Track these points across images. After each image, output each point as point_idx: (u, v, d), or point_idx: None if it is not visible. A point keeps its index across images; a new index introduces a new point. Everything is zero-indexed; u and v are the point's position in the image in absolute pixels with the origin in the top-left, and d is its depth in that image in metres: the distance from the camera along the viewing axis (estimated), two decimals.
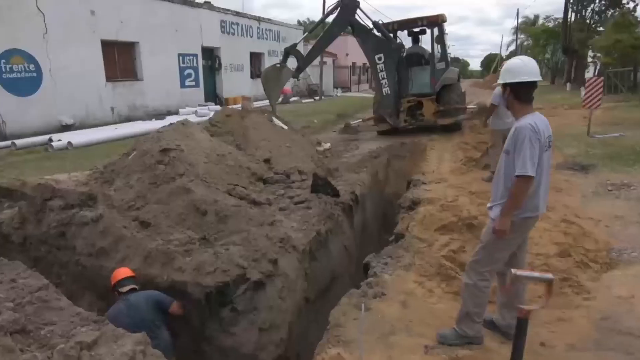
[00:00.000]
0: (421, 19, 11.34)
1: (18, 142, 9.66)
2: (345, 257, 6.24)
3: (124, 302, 4.04)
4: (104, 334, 3.15)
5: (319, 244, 5.18)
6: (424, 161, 8.35)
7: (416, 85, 11.27)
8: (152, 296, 4.10)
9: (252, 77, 22.53)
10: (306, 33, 10.55)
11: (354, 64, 36.05)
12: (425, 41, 12.48)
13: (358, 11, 10.49)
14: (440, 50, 11.44)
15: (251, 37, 22.35)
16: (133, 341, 3.06)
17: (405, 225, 5.35)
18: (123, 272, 4.27)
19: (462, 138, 10.32)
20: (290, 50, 10.33)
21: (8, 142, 9.68)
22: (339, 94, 29.01)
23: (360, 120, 12.92)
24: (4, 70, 10.57)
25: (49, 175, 6.80)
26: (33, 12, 10.94)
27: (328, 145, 9.70)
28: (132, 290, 4.15)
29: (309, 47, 11.64)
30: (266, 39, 23.92)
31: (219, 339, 4.13)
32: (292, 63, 10.55)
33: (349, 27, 10.93)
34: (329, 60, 30.57)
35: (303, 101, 23.85)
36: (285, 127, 9.26)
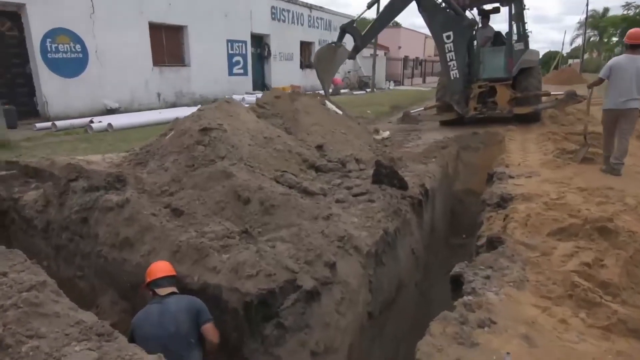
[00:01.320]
0: None
1: (59, 123, 9.34)
2: (413, 262, 5.16)
3: (158, 306, 3.19)
4: (105, 356, 2.31)
5: (386, 245, 4.14)
6: (504, 153, 7.05)
7: (489, 68, 9.86)
8: (195, 304, 3.21)
9: (301, 67, 21.75)
10: (365, 10, 9.37)
11: (406, 57, 34.48)
12: (497, 21, 10.97)
13: None
14: (517, 29, 9.96)
15: (302, 25, 21.55)
16: None
17: (498, 227, 4.19)
18: (163, 267, 3.39)
19: (545, 129, 8.86)
20: (347, 28, 9.28)
21: (49, 124, 9.38)
22: (391, 87, 27.64)
23: (422, 108, 11.64)
24: (49, 49, 10.33)
25: (82, 156, 6.20)
26: None
27: (387, 133, 8.61)
28: (172, 294, 3.30)
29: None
30: (317, 27, 23.05)
31: None
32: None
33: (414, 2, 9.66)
34: (380, 52, 29.29)
35: (354, 93, 22.74)
36: (340, 112, 8.26)
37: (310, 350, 3.14)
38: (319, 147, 6.74)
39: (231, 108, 6.12)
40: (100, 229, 4.23)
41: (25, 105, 10.14)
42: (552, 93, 10.37)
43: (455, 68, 9.22)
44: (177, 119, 6.10)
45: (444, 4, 9.07)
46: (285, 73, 20.26)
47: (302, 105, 7.68)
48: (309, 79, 20.72)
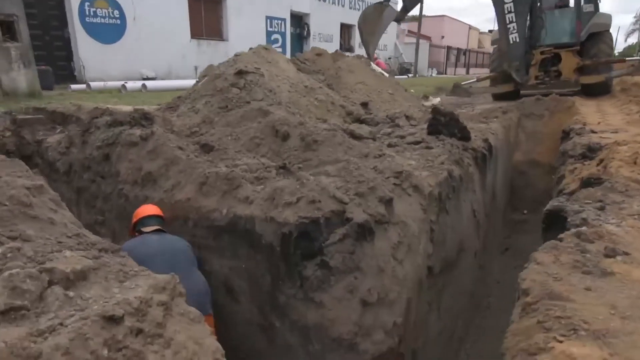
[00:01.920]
0: None
1: (93, 84, 9.16)
2: (474, 226, 4.43)
3: (152, 235, 2.84)
4: (103, 267, 1.80)
5: (450, 190, 3.45)
6: (576, 116, 6.16)
7: (553, 33, 8.84)
8: (184, 240, 2.96)
9: (341, 49, 21.05)
10: None
11: (449, 47, 33.10)
12: None
13: None
14: None
15: (343, 6, 20.88)
16: (151, 284, 1.69)
17: (591, 171, 3.41)
18: (149, 209, 3.14)
19: (616, 99, 7.81)
20: None
21: (83, 86, 9.22)
22: (433, 75, 26.48)
23: (474, 79, 10.68)
24: (87, 13, 10.21)
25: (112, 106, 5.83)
26: None
27: (437, 100, 7.85)
28: (158, 232, 2.92)
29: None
30: (358, 9, 22.24)
31: (297, 310, 2.61)
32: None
33: None
34: (423, 41, 28.15)
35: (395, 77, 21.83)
36: (387, 75, 7.57)
37: (360, 299, 2.52)
38: (364, 105, 6.10)
39: (269, 55, 5.58)
40: (122, 165, 3.78)
41: (63, 69, 10.09)
42: (627, 59, 9.21)
43: (515, 31, 8.28)
44: (211, 65, 5.62)
45: None
46: None
47: (346, 64, 7.06)
48: None
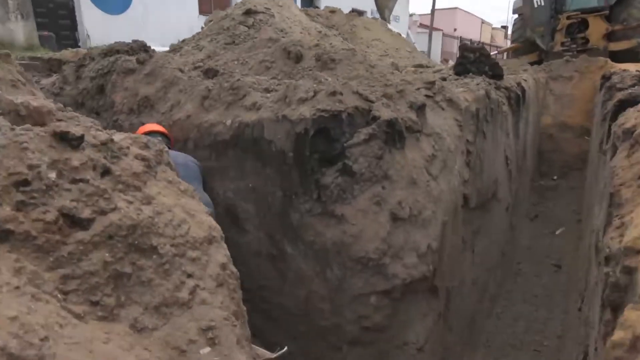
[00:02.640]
0: None
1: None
2: (506, 174, 3.98)
3: None
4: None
5: (488, 112, 3.01)
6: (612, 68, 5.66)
7: None
8: (191, 157, 2.57)
9: None
10: None
11: (462, 38, 32.41)
12: None
13: None
14: None
15: None
16: (132, 137, 1.30)
17: None
18: (151, 126, 2.76)
19: None
20: None
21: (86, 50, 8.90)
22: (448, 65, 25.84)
23: (495, 52, 10.18)
24: None
25: None
26: None
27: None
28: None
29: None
30: None
31: (313, 229, 2.20)
32: None
33: None
34: (435, 33, 27.56)
35: None
36: (403, 36, 7.13)
37: (389, 212, 2.10)
38: (382, 58, 5.65)
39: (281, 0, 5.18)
40: (117, 95, 3.40)
41: (67, 38, 9.79)
42: None
43: None
44: (217, 10, 5.23)
45: None
46: None
47: (361, 22, 6.65)
48: None
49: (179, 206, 1.29)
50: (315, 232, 2.19)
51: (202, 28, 5.01)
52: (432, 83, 2.63)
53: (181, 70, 3.20)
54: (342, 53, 3.10)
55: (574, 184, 5.87)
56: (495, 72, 4.00)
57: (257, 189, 2.41)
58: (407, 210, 2.14)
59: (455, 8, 33.06)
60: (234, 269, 1.32)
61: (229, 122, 2.48)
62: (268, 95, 2.47)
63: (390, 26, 6.97)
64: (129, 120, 3.23)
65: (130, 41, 3.83)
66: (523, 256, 5.05)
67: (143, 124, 3.13)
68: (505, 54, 10.20)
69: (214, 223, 1.38)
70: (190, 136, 2.74)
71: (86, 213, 1.01)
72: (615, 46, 8.08)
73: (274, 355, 1.46)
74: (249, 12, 4.46)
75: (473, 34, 37.03)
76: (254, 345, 1.46)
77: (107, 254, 1.01)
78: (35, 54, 5.43)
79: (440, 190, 2.35)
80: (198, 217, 1.32)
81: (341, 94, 2.10)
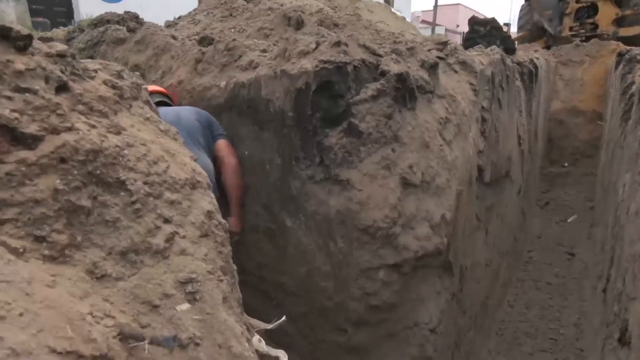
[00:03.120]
0: None
1: None
2: (518, 154, 3.76)
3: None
4: None
5: (504, 78, 2.80)
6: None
7: None
8: (204, 113, 2.27)
9: None
10: None
11: (464, 33, 32.24)
12: None
13: None
14: None
15: None
16: (104, 64, 1.04)
17: None
18: (149, 87, 2.44)
19: None
20: None
21: None
22: None
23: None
24: None
25: None
26: None
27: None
28: (163, 104, 2.31)
29: None
30: None
31: (316, 197, 1.99)
32: None
33: None
34: (438, 27, 27.31)
35: None
36: (409, 21, 6.92)
37: (400, 177, 1.89)
38: None
39: None
40: None
41: (63, 25, 9.58)
42: None
43: None
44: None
45: None
46: None
47: (364, 4, 6.43)
48: None
49: (157, 143, 1.08)
50: (318, 201, 1.98)
51: (199, 2, 4.80)
52: (444, 44, 2.43)
53: (174, 37, 3.00)
54: (345, 18, 2.90)
55: (585, 171, 5.66)
56: (507, 46, 3.79)
57: (254, 156, 2.21)
58: (419, 175, 1.93)
59: (458, 4, 32.80)
60: (222, 220, 1.11)
61: (223, 83, 2.27)
62: (266, 54, 2.27)
63: (394, 10, 6.75)
64: None
65: (124, 12, 3.63)
66: (534, 244, 4.84)
67: None
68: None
69: (199, 168, 1.17)
70: (183, 103, 2.54)
71: (32, 129, 0.80)
72: (626, 32, 7.85)
73: (270, 326, 1.25)
74: None
75: None
76: (247, 316, 1.25)
77: (58, 181, 0.81)
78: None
79: (455, 157, 2.15)
80: (180, 158, 1.12)
81: (346, 44, 1.89)
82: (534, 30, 8.44)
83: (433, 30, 23.28)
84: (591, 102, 5.90)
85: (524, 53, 4.50)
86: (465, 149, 2.27)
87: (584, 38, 8.37)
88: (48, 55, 0.92)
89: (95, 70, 1.06)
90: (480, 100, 2.46)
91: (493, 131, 2.63)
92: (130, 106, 1.12)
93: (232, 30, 3.15)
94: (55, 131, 0.84)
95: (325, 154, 1.92)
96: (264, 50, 2.45)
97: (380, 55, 1.99)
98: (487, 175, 2.64)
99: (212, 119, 2.25)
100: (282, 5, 4.11)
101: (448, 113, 2.17)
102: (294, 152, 2.02)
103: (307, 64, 1.88)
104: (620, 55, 4.47)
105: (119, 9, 10.28)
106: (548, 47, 8.58)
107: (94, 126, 0.91)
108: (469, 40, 3.93)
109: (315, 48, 1.93)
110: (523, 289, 4.07)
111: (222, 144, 2.17)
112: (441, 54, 2.42)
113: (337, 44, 1.88)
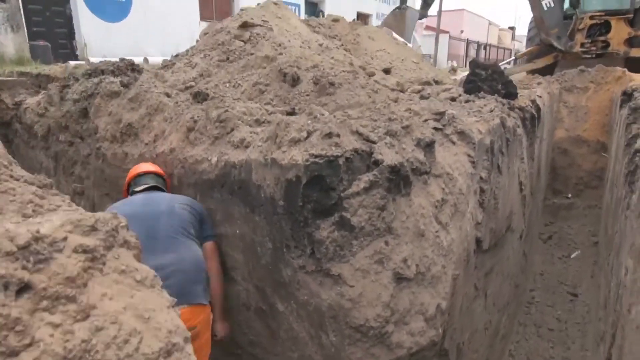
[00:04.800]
0: None
1: (93, 59, 8.60)
2: (520, 201, 3.69)
3: (143, 194, 2.19)
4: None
5: (504, 143, 2.74)
6: (631, 83, 5.35)
7: None
8: (198, 204, 2.30)
9: None
10: None
11: (469, 40, 32.03)
12: None
13: None
14: None
15: None
16: (71, 220, 0.99)
17: None
18: (143, 166, 2.51)
19: None
20: None
21: (83, 62, 8.68)
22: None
23: (512, 58, 9.80)
24: None
25: None
26: None
27: (466, 74, 7.06)
28: (153, 189, 2.27)
29: None
30: None
31: (307, 287, 1.93)
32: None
33: None
34: (442, 35, 27.20)
35: None
36: (409, 44, 6.85)
37: (393, 272, 1.83)
38: (386, 71, 5.38)
39: (279, 10, 4.93)
40: (100, 120, 3.17)
41: (64, 47, 9.58)
42: None
43: None
44: (213, 22, 4.99)
45: None
46: None
47: (365, 31, 6.38)
48: None
49: (130, 309, 1.03)
50: (309, 292, 1.92)
51: (197, 41, 4.77)
52: (442, 114, 2.36)
53: (168, 95, 2.96)
54: (342, 76, 2.83)
55: (589, 203, 5.56)
56: (508, 91, 3.73)
57: (246, 236, 2.16)
58: (414, 268, 1.87)
59: (462, 10, 32.65)
60: None
61: (214, 159, 2.22)
62: (258, 130, 2.22)
63: (394, 35, 6.68)
64: (112, 149, 3.00)
65: (118, 60, 3.59)
66: (536, 282, 4.75)
67: (126, 154, 2.90)
68: (514, 62, 9.87)
69: (177, 322, 1.11)
70: (175, 172, 2.50)
71: None
72: (637, 52, 7.75)
73: None
74: (245, 25, 4.21)
75: (480, 36, 36.60)
76: None
77: None
78: (25, 69, 5.21)
79: (451, 240, 2.08)
80: (155, 320, 1.06)
81: (338, 135, 1.83)
82: (543, 46, 8.35)
83: (437, 38, 23.19)
84: (595, 131, 5.80)
85: (527, 93, 4.43)
86: (462, 228, 2.21)
87: (594, 55, 8.31)
88: (9, 254, 0.87)
89: (64, 238, 1.01)
90: (478, 172, 2.39)
91: (492, 199, 2.56)
92: (104, 263, 1.07)
93: (227, 84, 3.10)
94: (13, 353, 0.79)
95: (317, 247, 1.86)
96: (258, 121, 2.40)
97: (373, 142, 1.93)
98: (486, 244, 2.57)
99: (205, 216, 2.26)
100: (280, 44, 4.07)
101: (444, 193, 2.10)
102: (285, 240, 1.96)
103: (298, 155, 1.82)
104: (625, 94, 4.38)
105: (120, 28, 10.31)
106: (557, 63, 8.53)
107: (58, 325, 0.87)
108: (470, 83, 3.85)
109: (307, 137, 1.87)
110: (525, 336, 3.99)
111: (208, 247, 2.18)
112: (438, 125, 2.35)
113: (329, 135, 1.82)
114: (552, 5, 7.57)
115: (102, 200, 3.27)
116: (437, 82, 4.93)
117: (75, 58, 9.57)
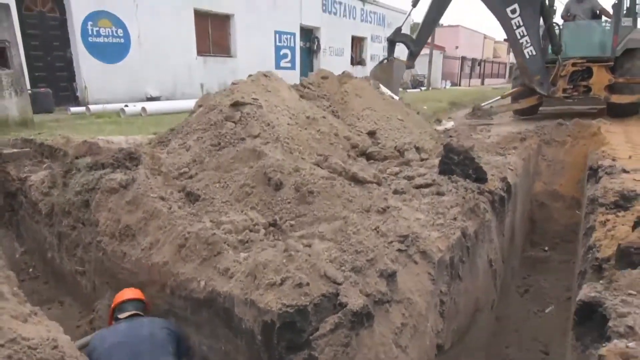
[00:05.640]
0: None
1: (93, 107, 8.91)
2: (490, 278, 3.99)
3: (125, 322, 2.50)
4: None
5: (464, 252, 3.03)
6: (602, 146, 5.67)
7: (584, 45, 8.40)
8: (174, 325, 2.65)
9: (352, 63, 20.77)
10: (410, 11, 8.38)
11: (463, 57, 32.54)
12: None
13: None
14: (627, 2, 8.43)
15: (354, 19, 20.55)
16: None
17: (623, 234, 2.97)
18: (127, 292, 2.83)
19: None
20: (395, 38, 8.19)
21: (83, 108, 8.99)
22: (447, 87, 25.98)
23: (498, 97, 10.14)
24: (90, 33, 10.03)
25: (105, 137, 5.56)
26: None
27: (451, 124, 7.41)
28: (135, 316, 2.61)
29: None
30: (370, 22, 21.94)
31: None
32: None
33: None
34: (436, 52, 27.68)
35: (407, 91, 21.43)
36: (396, 98, 7.18)
37: None
38: (372, 134, 5.70)
39: (270, 83, 5.24)
40: (101, 215, 3.46)
41: (65, 90, 9.91)
42: None
43: (529, 44, 7.85)
44: (207, 94, 5.31)
45: None
46: (335, 69, 19.22)
47: (352, 87, 6.68)
48: (360, 76, 19.76)
49: None
50: None
51: (192, 111, 5.08)
52: (407, 236, 2.66)
53: (162, 198, 3.25)
54: (320, 184, 3.13)
55: (565, 257, 5.86)
56: (479, 176, 4.03)
57: (230, 353, 2.44)
58: None
59: (458, 26, 33.15)
60: None
61: (202, 283, 2.51)
62: (240, 258, 2.51)
63: (382, 88, 7.01)
64: (112, 245, 3.29)
65: (117, 151, 3.89)
66: (512, 339, 5.02)
67: (124, 254, 3.19)
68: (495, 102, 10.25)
69: None
70: (168, 283, 2.78)
71: None
72: (617, 99, 8.14)
73: None
74: (236, 104, 4.51)
75: (476, 50, 37.15)
76: None
77: None
78: (29, 133, 5.51)
79: None
80: None
81: (308, 284, 2.13)
82: (527, 88, 8.71)
83: (431, 53, 23.52)
84: (570, 187, 6.11)
85: (501, 162, 4.73)
86: (422, 344, 2.50)
87: (575, 100, 8.69)
88: None
89: None
90: (438, 287, 2.68)
91: (452, 305, 2.86)
92: None
93: (217, 185, 3.40)
94: None
95: None
96: (242, 242, 2.70)
97: (339, 283, 2.22)
98: (448, 345, 2.86)
99: (182, 335, 2.58)
100: (268, 124, 4.37)
101: (404, 318, 2.39)
102: None
103: (273, 302, 2.12)
104: (592, 169, 4.69)
105: (119, 69, 10.62)
106: (541, 103, 8.91)
107: None
108: (445, 165, 4.15)
109: (280, 284, 2.16)
110: None
111: None
112: (402, 247, 2.65)
113: (299, 285, 2.12)
114: (534, 53, 7.93)
115: (102, 287, 3.55)
116: (417, 149, 5.23)
117: (76, 101, 9.91)
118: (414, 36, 8.65)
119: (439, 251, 2.73)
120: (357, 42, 21.79)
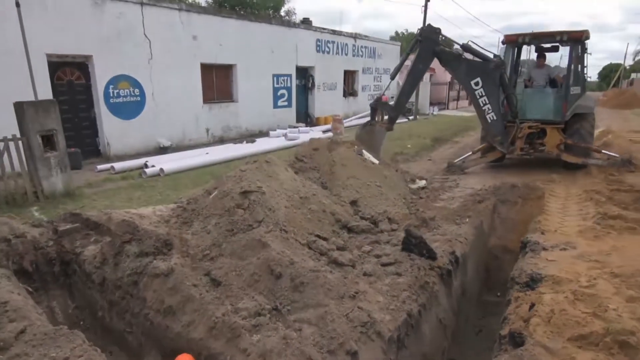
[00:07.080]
0: (560, 33, 9.71)
1: (116, 165, 10.22)
2: (440, 331, 5.24)
3: None
4: None
5: (409, 328, 4.29)
6: (542, 213, 6.96)
7: (540, 109, 9.81)
8: None
9: (344, 95, 22.15)
10: (390, 81, 9.88)
11: (450, 82, 34.07)
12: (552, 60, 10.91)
13: (441, 38, 9.29)
14: (575, 72, 9.81)
15: (346, 55, 22.01)
16: None
17: (524, 314, 4.23)
18: (186, 358, 3.84)
19: (590, 180, 8.60)
20: (376, 106, 9.65)
21: (108, 166, 10.28)
22: (435, 113, 27.45)
23: (469, 153, 11.53)
24: (111, 95, 11.36)
25: (136, 208, 6.80)
26: (140, 39, 11.68)
27: (423, 182, 8.71)
28: None
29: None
30: (361, 56, 23.41)
31: None
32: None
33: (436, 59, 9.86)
34: (425, 76, 29.13)
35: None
36: (377, 162, 8.48)
37: None
38: (353, 203, 7.00)
39: (270, 168, 6.52)
40: (148, 293, 4.68)
41: (89, 145, 11.18)
42: (603, 151, 10.02)
43: (490, 111, 9.26)
44: (221, 179, 6.56)
45: (465, 54, 9.18)
46: (328, 102, 20.71)
47: (339, 157, 7.99)
48: (352, 107, 21.18)
49: None
50: None
51: (206, 191, 6.31)
52: (366, 323, 3.91)
53: (195, 285, 4.49)
54: (308, 276, 4.39)
55: None
56: (430, 255, 5.30)
57: None
58: None
59: None
60: None
61: (228, 358, 3.75)
62: (254, 340, 3.75)
63: (365, 153, 8.30)
64: (157, 318, 4.51)
65: (155, 239, 5.12)
66: None
67: (167, 326, 4.41)
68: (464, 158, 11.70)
69: None
70: (203, 353, 4.01)
71: None
72: (567, 158, 9.49)
73: None
74: (244, 193, 5.78)
75: None
76: None
77: None
78: (74, 205, 6.71)
79: None
80: None
81: None
82: (490, 145, 10.09)
83: (417, 86, 25.04)
84: (518, 242, 7.38)
85: (455, 232, 5.99)
86: None
87: (532, 156, 10.04)
88: None
89: None
90: (388, 356, 3.93)
91: None
92: None
93: (234, 273, 4.65)
94: None
95: None
96: (255, 326, 3.93)
97: None
98: None
99: None
100: (270, 209, 5.62)
101: None
102: None
103: None
104: (523, 243, 5.96)
105: (136, 123, 11.91)
106: (503, 156, 10.24)
107: None
108: (406, 244, 5.43)
109: None
110: None
111: None
112: (364, 329, 3.90)
113: None
114: (495, 118, 9.29)
115: (147, 344, 4.77)
116: (389, 220, 6.51)
117: (99, 154, 11.19)
118: (392, 103, 10.01)
119: (389, 331, 3.98)
120: (350, 75, 23.21)
